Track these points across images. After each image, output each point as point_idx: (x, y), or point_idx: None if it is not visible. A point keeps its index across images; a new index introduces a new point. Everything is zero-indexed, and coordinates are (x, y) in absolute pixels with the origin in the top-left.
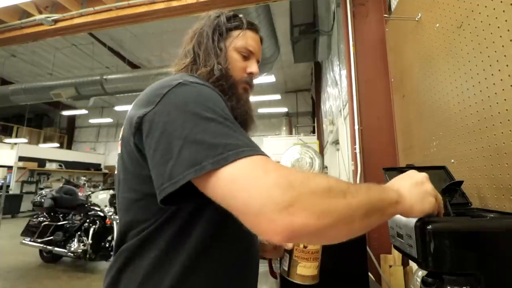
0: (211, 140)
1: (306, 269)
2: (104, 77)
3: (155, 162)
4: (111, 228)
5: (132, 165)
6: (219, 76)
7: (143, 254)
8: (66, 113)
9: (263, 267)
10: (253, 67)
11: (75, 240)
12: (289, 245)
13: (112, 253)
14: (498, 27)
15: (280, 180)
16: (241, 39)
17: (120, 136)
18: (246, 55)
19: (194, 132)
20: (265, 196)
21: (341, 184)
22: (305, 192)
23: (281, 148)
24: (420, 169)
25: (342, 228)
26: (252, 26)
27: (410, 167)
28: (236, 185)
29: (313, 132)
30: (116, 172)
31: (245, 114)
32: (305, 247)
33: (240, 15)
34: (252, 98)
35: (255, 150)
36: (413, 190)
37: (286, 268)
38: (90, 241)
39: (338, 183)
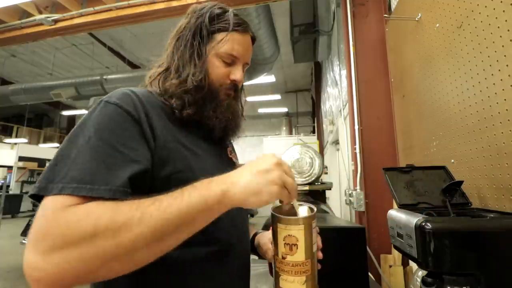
0: (57, 163)
1: (288, 284)
2: (104, 77)
3: None
4: None
5: None
6: (189, 89)
7: None
8: (66, 113)
9: (263, 267)
10: (237, 74)
11: None
12: (269, 255)
13: None
14: (498, 27)
15: (40, 228)
16: (225, 44)
17: None
18: (229, 61)
19: (61, 151)
20: (27, 247)
21: (117, 218)
22: (59, 245)
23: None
24: (420, 169)
25: (119, 265)
26: (239, 27)
27: (409, 167)
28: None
29: (313, 132)
30: None
31: (226, 120)
32: (283, 257)
33: (228, 12)
34: (252, 98)
35: (89, 190)
36: (253, 179)
37: (273, 277)
38: None
39: (113, 219)
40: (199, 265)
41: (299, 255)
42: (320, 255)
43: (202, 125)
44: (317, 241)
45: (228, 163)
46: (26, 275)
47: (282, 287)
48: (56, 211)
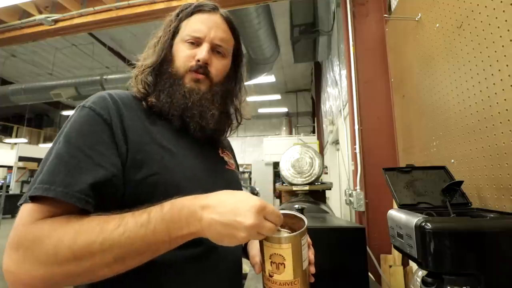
0: (39, 173)
1: None
2: (104, 77)
3: None
4: None
5: None
6: (147, 67)
7: None
8: (66, 113)
9: None
10: (200, 53)
11: None
12: (257, 270)
13: None
14: (498, 27)
15: (14, 239)
16: (186, 28)
17: None
18: (193, 41)
19: (46, 157)
20: (5, 253)
21: (79, 242)
22: (28, 258)
23: (281, 148)
24: (420, 169)
25: (81, 280)
26: (201, 7)
27: (409, 167)
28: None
29: (313, 132)
30: None
31: (183, 108)
32: (270, 276)
33: (197, 3)
34: (252, 98)
35: (44, 190)
36: (228, 224)
37: None
38: None
39: (75, 243)
40: (177, 269)
41: (287, 274)
42: (313, 269)
43: (182, 123)
44: (309, 255)
45: (217, 162)
46: (5, 277)
47: None
48: (26, 225)
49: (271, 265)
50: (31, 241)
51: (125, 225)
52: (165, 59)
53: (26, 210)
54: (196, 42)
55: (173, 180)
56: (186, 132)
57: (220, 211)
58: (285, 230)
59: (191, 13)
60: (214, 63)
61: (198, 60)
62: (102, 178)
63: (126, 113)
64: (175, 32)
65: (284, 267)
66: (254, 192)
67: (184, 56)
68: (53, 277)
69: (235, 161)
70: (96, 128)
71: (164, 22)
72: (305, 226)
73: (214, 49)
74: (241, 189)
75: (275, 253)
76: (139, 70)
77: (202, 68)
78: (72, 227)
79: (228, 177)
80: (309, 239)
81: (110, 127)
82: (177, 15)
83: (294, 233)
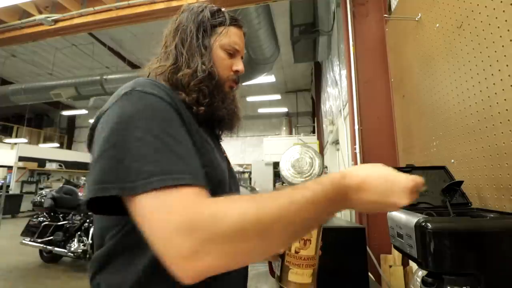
0: (126, 163)
1: (298, 276)
2: (104, 77)
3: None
4: None
5: None
6: (202, 77)
7: (110, 262)
8: (66, 113)
9: (263, 267)
10: (239, 65)
11: (75, 240)
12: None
13: None
14: (498, 27)
15: (182, 224)
16: (226, 36)
17: None
18: (232, 53)
19: (113, 149)
20: (166, 244)
21: (261, 211)
22: (209, 237)
23: (281, 148)
24: (420, 169)
25: (258, 255)
26: (236, 22)
27: (409, 167)
28: (144, 222)
29: (313, 132)
30: None
31: (231, 113)
32: (296, 252)
33: (223, 9)
34: (252, 98)
35: (168, 180)
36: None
37: (278, 274)
38: (90, 241)
39: (258, 213)
40: None
41: (311, 250)
42: (320, 252)
43: (212, 118)
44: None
45: (225, 158)
46: (172, 265)
47: (291, 280)
48: (175, 200)
49: (299, 241)
50: (209, 220)
51: (308, 191)
52: (210, 60)
53: (163, 194)
54: (232, 53)
55: (216, 174)
56: (209, 126)
57: (375, 193)
58: None
59: (230, 24)
60: (243, 71)
61: (237, 71)
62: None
63: (178, 103)
64: (211, 33)
65: (310, 243)
66: (254, 192)
67: (226, 65)
68: (235, 256)
69: None
70: (173, 115)
71: (184, 14)
72: None
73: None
74: (238, 185)
75: None
76: (189, 78)
77: (237, 78)
78: (244, 200)
79: (233, 172)
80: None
81: (180, 114)
82: (213, 14)
83: None
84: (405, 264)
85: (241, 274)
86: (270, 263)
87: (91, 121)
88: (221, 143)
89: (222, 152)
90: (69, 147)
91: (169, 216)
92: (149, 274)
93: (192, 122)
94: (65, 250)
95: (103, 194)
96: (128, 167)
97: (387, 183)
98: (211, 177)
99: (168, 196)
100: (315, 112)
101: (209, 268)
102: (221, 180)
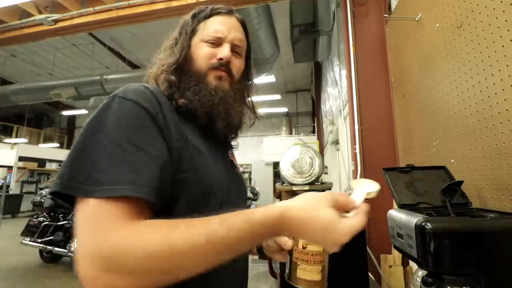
0: (79, 164)
1: (306, 273)
2: (104, 77)
3: None
4: None
5: None
6: (168, 68)
7: None
8: (66, 113)
9: (263, 267)
10: (223, 51)
11: (75, 240)
12: (289, 245)
13: None
14: (498, 27)
15: (92, 252)
16: (205, 29)
17: None
18: (214, 42)
19: (79, 150)
20: (79, 260)
21: (171, 250)
22: (111, 268)
23: (281, 148)
24: (420, 169)
25: (167, 282)
26: (219, 9)
27: (409, 167)
28: (76, 225)
29: (313, 132)
30: None
31: (210, 106)
32: (303, 247)
33: (211, 6)
34: (252, 98)
35: (107, 191)
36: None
37: (287, 271)
38: None
39: (167, 250)
40: None
41: (319, 245)
42: None
43: (208, 120)
44: None
45: (229, 163)
46: (83, 281)
47: (300, 277)
48: (108, 227)
49: None
50: (113, 253)
51: (229, 226)
52: (186, 58)
53: (99, 206)
54: (216, 43)
55: (203, 180)
56: (207, 131)
57: (311, 234)
58: None
59: (209, 15)
60: (234, 62)
61: (221, 59)
62: (162, 167)
63: (164, 106)
64: (192, 33)
65: None
66: (254, 192)
67: (206, 53)
68: (139, 285)
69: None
70: (147, 123)
71: (179, 23)
72: None
73: (233, 50)
74: (246, 190)
75: None
76: (160, 70)
77: (224, 66)
78: (159, 232)
79: (239, 179)
80: None
81: (156, 121)
82: (194, 16)
83: None
84: (405, 264)
85: (240, 269)
86: (270, 263)
87: None
88: (231, 150)
89: (225, 158)
90: (69, 147)
91: (87, 237)
92: None
93: (177, 127)
94: (65, 250)
95: (56, 189)
96: (81, 168)
97: (325, 231)
98: (193, 183)
99: (101, 208)
100: (315, 112)
101: None
102: (210, 187)
